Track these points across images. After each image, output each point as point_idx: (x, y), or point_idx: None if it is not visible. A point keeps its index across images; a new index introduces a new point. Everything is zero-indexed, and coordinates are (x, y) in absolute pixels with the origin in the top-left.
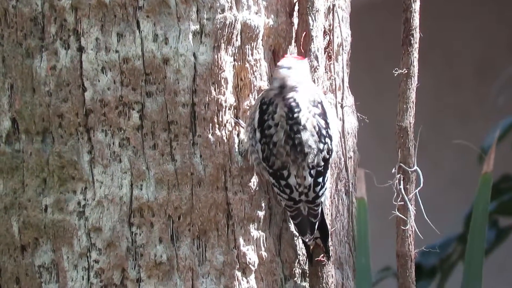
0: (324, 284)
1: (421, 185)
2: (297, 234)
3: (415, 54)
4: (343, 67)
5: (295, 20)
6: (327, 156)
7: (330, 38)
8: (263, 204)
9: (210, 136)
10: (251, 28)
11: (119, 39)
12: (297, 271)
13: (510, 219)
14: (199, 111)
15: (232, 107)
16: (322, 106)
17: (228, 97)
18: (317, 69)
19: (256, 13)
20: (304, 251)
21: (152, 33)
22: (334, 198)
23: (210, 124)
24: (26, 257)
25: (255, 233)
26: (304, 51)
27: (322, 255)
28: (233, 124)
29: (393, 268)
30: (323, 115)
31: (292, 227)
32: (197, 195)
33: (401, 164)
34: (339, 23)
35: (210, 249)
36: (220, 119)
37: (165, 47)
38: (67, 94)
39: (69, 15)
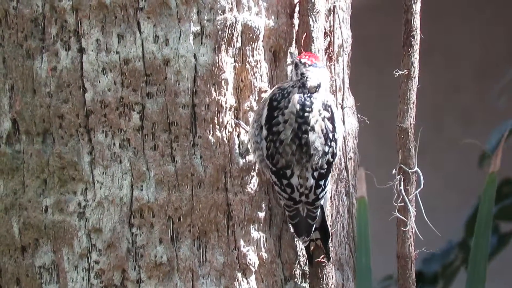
0: (324, 285)
1: (422, 186)
2: None
3: (416, 56)
4: (343, 68)
5: (296, 21)
6: (331, 160)
7: (330, 39)
8: (263, 205)
9: (210, 137)
10: (251, 29)
11: (119, 40)
12: (298, 272)
13: (511, 224)
14: (199, 112)
15: (233, 108)
16: (331, 109)
17: (229, 98)
18: None
19: (257, 14)
20: (304, 252)
21: (153, 34)
22: (335, 199)
23: (211, 125)
24: (26, 258)
25: (255, 234)
26: (299, 54)
27: (323, 256)
28: (233, 125)
29: (395, 276)
30: (331, 118)
31: (292, 230)
32: (198, 196)
33: (401, 165)
34: (339, 24)
35: (210, 250)
36: (221, 120)
37: (166, 48)
38: (68, 95)
39: (70, 16)
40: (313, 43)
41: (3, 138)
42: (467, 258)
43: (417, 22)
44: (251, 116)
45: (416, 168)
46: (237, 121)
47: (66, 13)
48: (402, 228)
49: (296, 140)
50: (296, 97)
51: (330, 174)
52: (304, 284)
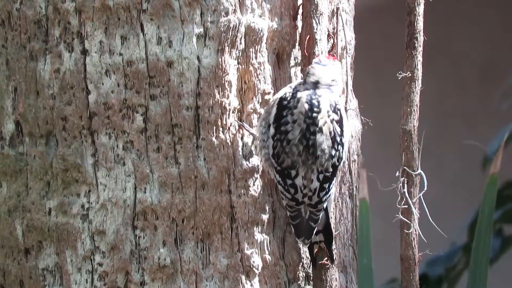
0: None
1: (425, 188)
2: None
3: (419, 58)
4: (347, 70)
5: (299, 23)
6: (337, 164)
7: (334, 41)
8: (267, 207)
9: (214, 139)
10: (255, 31)
11: (123, 42)
12: (301, 274)
13: None
14: (203, 114)
15: (236, 110)
16: (340, 113)
17: (232, 100)
18: None
19: (260, 16)
20: (307, 254)
21: (156, 36)
22: (338, 201)
23: (214, 127)
24: (30, 260)
25: (259, 236)
26: (308, 55)
27: (326, 258)
28: (237, 127)
29: (399, 279)
30: (340, 122)
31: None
32: (201, 198)
33: (405, 167)
34: (343, 26)
35: (213, 252)
36: (224, 122)
37: (169, 50)
38: (71, 97)
39: (73, 18)
40: (317, 45)
41: (6, 140)
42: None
43: (420, 24)
44: (255, 118)
45: (419, 171)
46: (240, 123)
47: (70, 15)
48: (406, 231)
49: (303, 141)
50: (304, 95)
51: (335, 179)
52: (307, 287)
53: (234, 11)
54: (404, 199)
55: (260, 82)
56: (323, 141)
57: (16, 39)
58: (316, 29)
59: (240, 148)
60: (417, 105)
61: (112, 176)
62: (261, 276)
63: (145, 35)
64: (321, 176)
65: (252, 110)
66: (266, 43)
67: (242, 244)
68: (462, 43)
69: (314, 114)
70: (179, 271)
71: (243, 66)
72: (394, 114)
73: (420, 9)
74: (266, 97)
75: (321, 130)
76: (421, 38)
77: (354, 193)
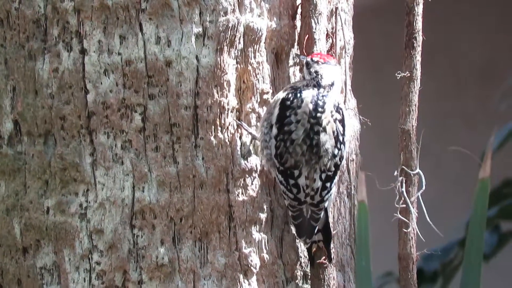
0: (325, 287)
1: (423, 188)
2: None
3: (418, 57)
4: (345, 70)
5: (298, 23)
6: (339, 163)
7: (332, 41)
8: (265, 207)
9: (212, 138)
10: (254, 30)
11: (121, 41)
12: (299, 273)
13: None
14: (201, 113)
15: (235, 110)
16: (342, 112)
17: (231, 100)
18: None
19: (259, 16)
20: (305, 253)
21: (155, 36)
22: (336, 200)
23: (213, 127)
24: (27, 259)
25: (256, 235)
26: (307, 54)
27: (324, 257)
28: (235, 127)
29: (395, 273)
30: (342, 121)
31: (294, 230)
32: (199, 198)
33: (403, 166)
34: (341, 26)
35: (211, 251)
36: (223, 121)
37: (168, 50)
38: (70, 97)
39: (72, 17)
40: (315, 44)
41: (4, 139)
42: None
43: (419, 24)
44: (253, 117)
45: (418, 170)
46: (239, 122)
47: (68, 14)
48: (404, 230)
49: (307, 141)
50: (310, 96)
51: (336, 178)
52: (305, 286)
53: (233, 11)
54: (403, 199)
55: (258, 82)
56: (327, 140)
57: (15, 39)
58: (315, 28)
59: (238, 148)
60: (415, 105)
61: (110, 175)
62: (259, 275)
63: (144, 35)
64: (323, 176)
65: (250, 110)
66: (265, 42)
67: (240, 243)
68: (461, 43)
69: (319, 114)
70: (177, 270)
71: (241, 66)
72: (392, 113)
73: (419, 9)
74: (265, 96)
75: (324, 130)
76: (420, 38)
77: (352, 192)
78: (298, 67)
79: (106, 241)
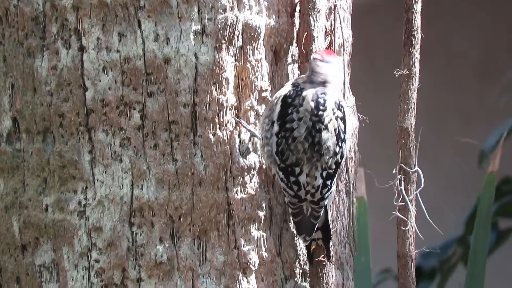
0: (324, 285)
1: (422, 185)
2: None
3: (417, 55)
4: (344, 68)
5: (297, 21)
6: (340, 160)
7: (331, 38)
8: (263, 204)
9: (211, 136)
10: (252, 28)
11: (120, 38)
12: (298, 271)
13: (510, 221)
14: (200, 111)
15: (233, 107)
16: (343, 110)
17: (229, 97)
18: None
19: (258, 13)
20: (304, 251)
21: (153, 33)
22: (335, 198)
23: (211, 124)
24: (26, 257)
25: (255, 233)
26: (306, 52)
27: (323, 255)
28: (234, 124)
29: (394, 270)
30: (343, 119)
31: (293, 227)
32: (198, 195)
33: (402, 164)
34: (340, 23)
35: (210, 249)
36: (221, 119)
37: (166, 47)
38: (68, 94)
39: (71, 15)
40: (314, 42)
41: (3, 136)
42: (465, 253)
43: (417, 21)
44: (252, 115)
45: (416, 168)
46: (238, 120)
47: (67, 12)
48: (403, 228)
49: (309, 138)
50: (310, 94)
51: (337, 175)
52: (304, 283)
53: (232, 8)
54: (401, 196)
55: (257, 79)
56: (328, 138)
57: (14, 36)
58: (314, 26)
59: (237, 145)
60: (414, 103)
61: (109, 172)
62: (257, 273)
63: (143, 32)
64: (324, 173)
65: (249, 107)
66: (263, 40)
67: (239, 241)
68: (460, 40)
69: (320, 112)
70: (175, 267)
71: (240, 63)
72: (391, 111)
73: (418, 7)
74: (264, 94)
75: (326, 128)
76: (418, 35)
77: (351, 190)
78: (296, 65)
79: (105, 239)
